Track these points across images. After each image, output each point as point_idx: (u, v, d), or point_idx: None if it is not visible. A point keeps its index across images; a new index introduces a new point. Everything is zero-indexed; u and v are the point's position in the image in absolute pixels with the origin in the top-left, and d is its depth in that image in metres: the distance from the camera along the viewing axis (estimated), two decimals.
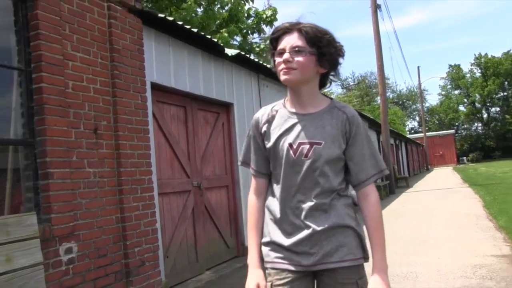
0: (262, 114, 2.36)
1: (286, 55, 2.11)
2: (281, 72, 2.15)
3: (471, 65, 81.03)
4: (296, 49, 2.11)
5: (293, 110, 2.26)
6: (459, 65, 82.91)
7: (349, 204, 2.24)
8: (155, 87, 6.46)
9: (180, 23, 6.85)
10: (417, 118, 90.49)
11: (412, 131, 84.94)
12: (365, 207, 2.22)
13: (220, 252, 8.00)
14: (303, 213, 2.17)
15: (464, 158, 71.06)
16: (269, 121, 2.30)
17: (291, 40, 2.13)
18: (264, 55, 17.57)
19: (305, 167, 2.17)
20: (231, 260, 8.22)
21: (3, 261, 3.54)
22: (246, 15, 18.17)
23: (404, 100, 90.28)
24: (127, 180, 5.42)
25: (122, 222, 5.32)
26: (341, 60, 2.23)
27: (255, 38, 18.96)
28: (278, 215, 2.23)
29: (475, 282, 5.50)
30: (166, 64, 6.75)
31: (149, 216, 5.74)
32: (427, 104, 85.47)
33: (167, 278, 6.29)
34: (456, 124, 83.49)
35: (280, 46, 2.16)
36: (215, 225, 7.90)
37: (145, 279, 5.52)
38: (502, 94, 77.73)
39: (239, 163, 2.55)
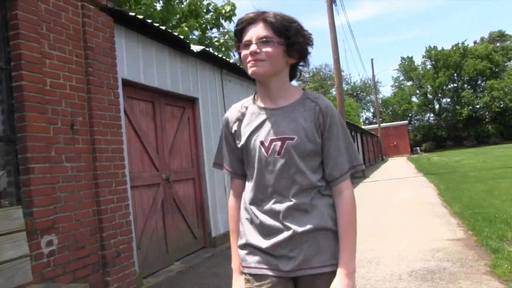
0: (231, 112, 2.26)
1: (253, 47, 2.00)
2: (249, 65, 2.04)
3: (423, 57, 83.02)
4: (264, 39, 2.00)
5: (263, 105, 2.15)
6: (411, 57, 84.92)
7: (332, 204, 2.11)
8: (126, 83, 6.62)
9: (149, 21, 7.02)
10: (371, 109, 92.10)
11: (367, 122, 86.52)
12: (338, 205, 2.08)
13: (189, 243, 8.22)
14: (282, 214, 2.04)
15: (418, 148, 72.87)
16: (239, 119, 2.20)
17: (257, 31, 2.02)
18: (223, 49, 17.78)
19: (279, 165, 2.05)
20: (199, 251, 8.45)
21: None
22: (205, 10, 18.32)
23: (359, 92, 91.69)
24: (102, 174, 5.59)
25: (99, 215, 5.49)
26: (310, 49, 2.14)
27: (214, 33, 19.09)
28: (254, 216, 2.11)
29: (433, 264, 5.88)
30: (135, 61, 6.91)
31: (123, 209, 5.91)
32: (381, 96, 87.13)
33: (140, 269, 6.48)
34: (410, 115, 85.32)
35: (246, 37, 2.04)
36: (183, 217, 8.10)
37: (120, 270, 5.70)
38: (452, 85, 79.87)
39: (212, 165, 2.44)
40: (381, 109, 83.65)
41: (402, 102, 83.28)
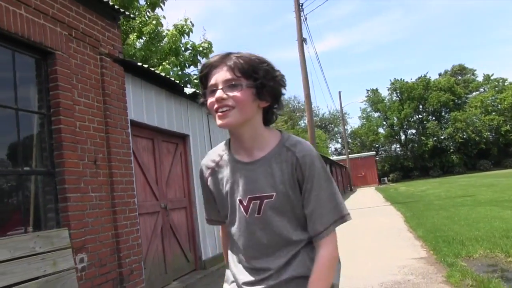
0: (205, 163, 2.11)
1: (219, 93, 1.80)
2: (217, 115, 1.83)
3: (388, 90, 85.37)
4: (231, 83, 1.80)
5: (238, 157, 1.97)
6: (376, 89, 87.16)
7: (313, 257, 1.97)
8: (133, 123, 7.60)
9: (153, 69, 8.06)
10: (340, 140, 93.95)
11: (336, 153, 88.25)
12: (315, 260, 1.91)
13: (183, 265, 9.15)
14: (262, 274, 1.94)
15: (385, 178, 74.46)
16: (214, 171, 2.05)
17: (223, 74, 1.82)
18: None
19: (260, 225, 1.92)
20: (192, 272, 9.38)
21: (51, 264, 4.63)
22: (183, 48, 19.47)
23: (327, 124, 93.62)
24: (118, 203, 6.54)
25: (116, 238, 6.43)
26: (283, 90, 1.95)
27: (193, 70, 20.20)
28: (238, 276, 2.02)
29: (400, 277, 6.93)
30: (140, 103, 7.92)
31: (134, 233, 6.86)
32: (349, 127, 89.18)
33: (146, 286, 7.40)
34: (377, 145, 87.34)
35: (211, 82, 1.84)
36: (178, 241, 9.04)
37: (134, 285, 6.63)
38: (417, 116, 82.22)
39: (206, 221, 2.30)
40: (349, 140, 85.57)
41: (369, 133, 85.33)
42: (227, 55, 1.86)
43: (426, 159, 77.36)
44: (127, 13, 7.64)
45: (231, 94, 1.79)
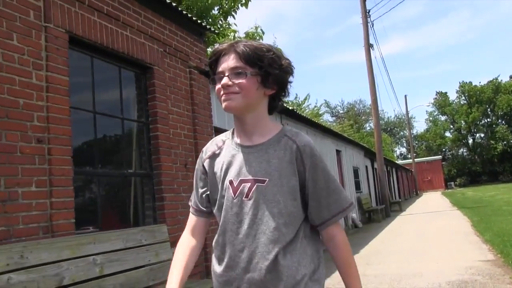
0: (209, 145, 2.13)
1: (225, 79, 1.86)
2: (222, 99, 1.89)
3: (456, 92, 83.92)
4: (236, 71, 1.86)
5: (239, 140, 2.00)
6: (445, 93, 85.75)
7: (316, 249, 1.97)
8: (216, 130, 8.26)
9: None
10: (405, 144, 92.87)
11: (401, 157, 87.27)
12: (333, 250, 1.96)
13: None
14: (244, 265, 1.87)
15: (452, 183, 73.28)
16: (214, 154, 2.05)
17: (229, 62, 1.87)
18: None
19: (247, 209, 1.88)
20: None
21: (154, 255, 5.30)
22: None
23: (392, 127, 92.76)
24: None
25: None
26: (290, 78, 1.97)
27: None
28: (221, 269, 1.96)
29: (467, 277, 7.30)
30: (222, 112, 8.57)
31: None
32: (414, 131, 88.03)
33: None
34: (443, 149, 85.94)
35: (219, 69, 1.91)
36: None
37: None
38: (486, 120, 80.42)
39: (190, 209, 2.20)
40: (415, 144, 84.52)
41: (436, 137, 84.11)
42: (235, 43, 1.90)
43: (495, 163, 75.62)
44: (212, 29, 8.29)
45: (236, 81, 1.85)
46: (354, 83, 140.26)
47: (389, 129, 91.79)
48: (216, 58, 1.93)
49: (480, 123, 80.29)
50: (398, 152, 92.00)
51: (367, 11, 24.70)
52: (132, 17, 6.05)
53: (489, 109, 79.30)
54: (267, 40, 45.54)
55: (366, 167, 25.81)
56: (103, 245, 4.63)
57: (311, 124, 14.88)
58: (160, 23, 6.63)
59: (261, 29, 20.03)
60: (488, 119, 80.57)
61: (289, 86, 1.99)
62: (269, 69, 1.86)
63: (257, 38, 19.76)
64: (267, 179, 1.87)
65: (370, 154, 26.85)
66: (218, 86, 1.89)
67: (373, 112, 25.28)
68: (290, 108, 12.54)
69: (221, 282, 1.94)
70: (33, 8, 4.57)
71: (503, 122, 78.95)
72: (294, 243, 1.89)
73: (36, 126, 4.39)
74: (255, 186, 1.87)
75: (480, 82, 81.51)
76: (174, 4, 6.81)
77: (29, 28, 4.49)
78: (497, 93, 77.35)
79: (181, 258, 2.08)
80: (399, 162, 61.58)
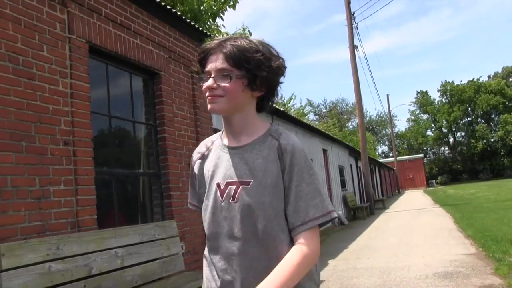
0: (199, 147, 2.12)
1: (210, 81, 1.83)
2: (207, 101, 1.87)
3: (438, 91, 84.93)
4: (222, 73, 1.82)
5: (226, 142, 1.97)
6: (426, 92, 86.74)
7: None
8: (216, 131, 8.67)
9: None
10: (387, 143, 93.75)
11: (383, 155, 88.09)
12: (290, 252, 1.80)
13: None
14: (233, 267, 1.86)
15: (433, 181, 74.11)
16: (203, 156, 2.04)
17: (216, 63, 1.83)
18: None
19: (235, 212, 1.85)
20: None
21: (166, 249, 5.72)
22: None
23: (374, 126, 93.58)
24: None
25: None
26: (281, 79, 1.93)
27: None
28: (211, 264, 1.95)
29: (451, 269, 7.81)
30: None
31: None
32: (396, 129, 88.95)
33: None
34: (425, 148, 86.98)
35: (206, 68, 1.87)
36: None
37: None
38: (466, 119, 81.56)
39: (188, 205, 2.23)
40: (397, 143, 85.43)
41: (417, 136, 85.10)
42: (223, 42, 1.85)
43: (476, 162, 76.77)
44: (212, 35, 8.71)
45: (221, 84, 1.81)
46: (337, 82, 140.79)
47: (371, 127, 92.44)
48: (205, 55, 1.90)
49: (461, 122, 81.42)
50: (380, 151, 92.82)
51: (352, 13, 25.24)
52: (141, 25, 6.45)
53: (469, 108, 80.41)
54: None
55: (351, 165, 26.37)
56: (123, 239, 5.05)
57: (300, 124, 15.35)
58: (165, 31, 7.04)
59: (248, 30, 20.40)
60: (469, 118, 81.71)
61: (278, 88, 1.95)
62: (257, 71, 1.82)
63: None
64: (252, 180, 1.84)
65: (354, 153, 27.43)
66: (204, 86, 1.86)
67: (357, 112, 25.87)
68: (281, 109, 13.00)
69: (216, 286, 1.90)
70: (59, 21, 4.97)
71: (482, 121, 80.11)
72: (288, 243, 1.84)
73: (63, 130, 4.79)
74: (240, 188, 1.84)
75: (461, 81, 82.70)
76: (179, 13, 7.23)
77: (56, 39, 4.89)
78: (478, 93, 78.41)
79: None
80: (382, 160, 62.24)
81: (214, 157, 1.97)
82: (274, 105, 10.83)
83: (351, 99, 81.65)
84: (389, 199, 41.67)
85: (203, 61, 1.91)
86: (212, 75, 1.83)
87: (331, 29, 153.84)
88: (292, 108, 36.97)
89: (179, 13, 7.26)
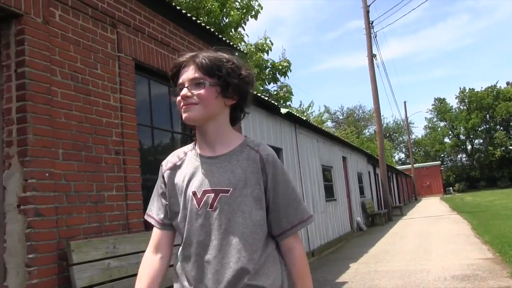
0: (168, 158, 2.11)
1: (184, 91, 1.88)
2: (182, 111, 1.90)
3: (456, 98, 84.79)
4: (195, 82, 1.87)
5: (200, 151, 2.00)
6: (444, 99, 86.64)
7: (275, 264, 1.94)
8: None
9: (265, 97, 9.64)
10: (404, 150, 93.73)
11: (400, 162, 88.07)
12: (290, 262, 1.96)
13: None
14: (208, 276, 1.86)
15: (451, 188, 73.94)
16: (175, 166, 2.04)
17: (189, 73, 1.89)
18: (282, 101, 20.47)
19: (212, 220, 1.87)
20: None
21: None
22: (264, 66, 21.05)
23: (391, 133, 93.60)
24: None
25: None
26: (250, 88, 2.00)
27: (273, 86, 21.70)
28: (183, 275, 1.94)
29: (469, 272, 8.22)
30: (247, 123, 9.49)
31: None
32: (413, 136, 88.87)
33: None
34: (442, 155, 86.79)
35: (179, 81, 1.92)
36: None
37: None
38: (485, 126, 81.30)
39: (145, 216, 2.18)
40: (413, 150, 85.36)
41: (434, 143, 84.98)
42: (195, 55, 1.92)
43: (494, 169, 76.40)
44: (235, 46, 9.22)
45: (195, 92, 1.85)
46: (353, 88, 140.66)
47: (388, 134, 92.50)
48: (177, 70, 1.95)
49: (479, 129, 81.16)
50: (396, 157, 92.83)
51: (371, 22, 25.65)
52: (179, 42, 6.97)
53: (488, 115, 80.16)
54: (276, 49, 46.03)
55: (369, 172, 26.71)
56: None
57: (321, 132, 15.79)
58: (199, 46, 7.54)
59: (270, 40, 20.96)
60: (487, 125, 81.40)
61: (248, 97, 2.00)
62: (228, 79, 1.88)
63: (266, 49, 20.68)
64: (231, 189, 1.86)
65: (372, 160, 27.77)
66: (178, 97, 1.90)
67: (376, 120, 26.27)
68: (303, 118, 13.49)
69: None
70: (110, 41, 5.49)
71: (501, 128, 79.76)
72: (263, 253, 1.89)
73: (114, 141, 5.30)
74: (219, 196, 1.86)
75: (482, 88, 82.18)
76: (212, 30, 7.75)
77: (108, 58, 5.41)
78: (496, 100, 78.13)
79: (146, 281, 2.00)
80: (399, 167, 62.32)
81: (189, 167, 1.98)
82: (296, 114, 11.33)
83: (368, 105, 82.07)
84: (406, 206, 41.85)
85: (174, 77, 1.96)
86: (186, 85, 1.88)
87: (347, 35, 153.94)
88: (311, 115, 37.45)
89: (212, 30, 7.76)
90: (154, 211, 2.09)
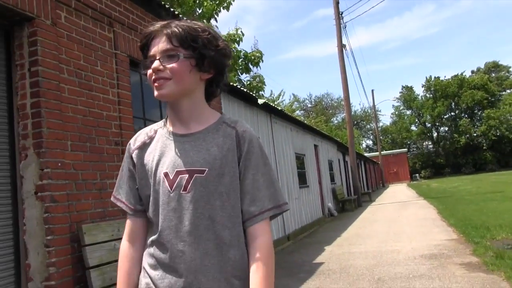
0: (136, 136, 1.93)
1: (156, 63, 1.69)
2: (154, 86, 1.72)
3: (422, 87, 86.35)
4: (168, 53, 1.69)
5: (172, 129, 1.82)
6: (411, 87, 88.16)
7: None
8: None
9: (240, 87, 10.09)
10: (371, 137, 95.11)
11: (367, 150, 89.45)
12: (252, 253, 1.70)
13: None
14: (185, 263, 1.68)
15: (417, 175, 75.57)
16: (145, 144, 1.86)
17: (160, 45, 1.70)
18: (254, 91, 20.93)
19: (184, 203, 1.69)
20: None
21: None
22: (237, 56, 21.45)
23: (359, 120, 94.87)
24: None
25: None
26: (226, 61, 1.82)
27: (246, 76, 22.12)
28: (160, 273, 1.74)
29: (436, 251, 8.87)
30: (227, 113, 9.93)
31: None
32: (380, 124, 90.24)
33: None
34: (408, 142, 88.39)
35: (150, 52, 1.73)
36: None
37: None
38: (450, 114, 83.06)
39: (111, 198, 1.98)
40: (381, 137, 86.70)
41: (401, 131, 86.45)
42: (167, 24, 1.73)
43: (459, 156, 78.18)
44: None
45: (168, 65, 1.69)
46: (321, 76, 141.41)
47: (355, 122, 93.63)
48: (147, 41, 1.76)
49: (445, 117, 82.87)
50: (364, 145, 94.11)
51: (340, 13, 26.24)
52: None
53: (453, 103, 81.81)
54: (247, 41, 46.20)
55: (339, 160, 27.41)
56: None
57: (294, 121, 16.33)
58: None
59: (241, 31, 21.33)
60: (452, 113, 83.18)
61: (226, 70, 1.84)
62: (204, 51, 1.71)
63: (237, 39, 21.05)
64: (207, 169, 1.70)
65: (342, 148, 28.50)
66: (149, 71, 1.73)
67: (345, 109, 27.04)
68: (279, 108, 14.03)
69: (163, 287, 1.71)
70: (107, 40, 5.90)
71: (466, 116, 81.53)
72: (241, 238, 1.74)
73: (114, 132, 5.73)
74: (194, 177, 1.70)
75: (445, 77, 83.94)
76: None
77: (106, 55, 5.82)
78: (461, 88, 79.76)
79: (125, 273, 1.87)
80: (366, 154, 63.37)
81: (159, 146, 1.81)
82: (272, 105, 11.83)
83: (336, 93, 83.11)
84: (374, 192, 42.84)
85: (144, 48, 1.78)
86: (157, 57, 1.70)
87: (315, 24, 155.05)
88: (281, 104, 38.02)
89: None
90: (124, 196, 1.90)
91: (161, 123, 1.90)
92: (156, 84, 1.71)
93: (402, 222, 14.98)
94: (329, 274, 7.85)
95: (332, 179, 23.57)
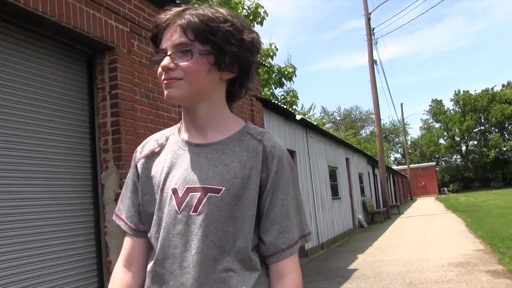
0: (145, 143, 1.68)
1: (166, 60, 1.40)
2: (164, 86, 1.44)
3: (451, 101, 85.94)
4: (181, 49, 1.40)
5: (187, 137, 1.54)
6: (441, 101, 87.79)
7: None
8: None
9: (277, 103, 10.83)
10: (400, 150, 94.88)
11: (395, 162, 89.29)
12: None
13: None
14: None
15: (445, 188, 74.93)
16: (153, 153, 1.59)
17: (173, 38, 1.41)
18: (288, 106, 21.63)
19: (195, 228, 1.40)
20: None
21: None
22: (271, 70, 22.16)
23: (388, 134, 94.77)
24: None
25: None
26: (253, 57, 1.49)
27: (280, 91, 22.80)
28: None
29: (463, 260, 9.48)
30: (268, 129, 10.71)
31: None
32: (409, 137, 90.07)
33: None
34: (437, 156, 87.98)
35: (161, 46, 1.44)
36: None
37: None
38: (479, 128, 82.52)
39: (113, 215, 1.68)
40: (409, 151, 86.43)
41: (430, 144, 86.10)
42: (182, 12, 1.44)
43: (488, 170, 77.50)
44: (266, 64, 10.43)
45: (180, 62, 1.40)
46: (350, 88, 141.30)
47: (384, 135, 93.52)
48: (159, 31, 1.47)
49: (474, 130, 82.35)
50: (392, 158, 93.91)
51: (372, 29, 26.88)
52: None
53: (482, 117, 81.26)
54: (278, 53, 46.97)
55: (369, 173, 27.96)
56: None
57: (328, 135, 17.08)
58: None
59: (275, 46, 22.05)
60: (482, 127, 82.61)
61: (252, 68, 1.53)
62: (225, 46, 1.41)
63: (271, 54, 21.75)
64: (223, 188, 1.41)
65: (371, 161, 29.06)
66: (159, 68, 1.45)
67: (376, 123, 27.66)
68: (314, 123, 14.77)
69: None
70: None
71: (496, 130, 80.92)
72: (255, 272, 1.46)
73: None
74: (207, 196, 1.41)
75: (475, 91, 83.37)
76: None
77: None
78: (492, 102, 79.18)
79: None
80: (395, 167, 63.36)
81: (170, 156, 1.54)
82: (308, 120, 12.58)
83: (365, 106, 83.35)
84: (403, 205, 43.11)
85: (157, 39, 1.49)
86: (169, 53, 1.42)
87: (344, 36, 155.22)
88: (312, 117, 38.63)
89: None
90: (124, 212, 1.63)
91: (174, 128, 1.65)
92: (165, 83, 1.44)
93: (430, 233, 15.58)
94: (364, 279, 8.52)
95: (362, 191, 24.15)
